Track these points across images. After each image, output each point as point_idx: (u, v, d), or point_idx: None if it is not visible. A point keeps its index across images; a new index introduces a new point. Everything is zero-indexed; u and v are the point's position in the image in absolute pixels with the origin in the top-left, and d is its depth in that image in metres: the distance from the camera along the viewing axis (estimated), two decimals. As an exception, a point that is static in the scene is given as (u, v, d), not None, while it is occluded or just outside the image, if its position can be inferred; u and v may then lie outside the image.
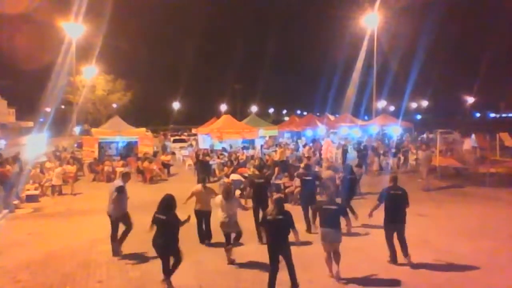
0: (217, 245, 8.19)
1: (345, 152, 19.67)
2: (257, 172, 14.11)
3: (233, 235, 7.54)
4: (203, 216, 8.48)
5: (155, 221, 6.33)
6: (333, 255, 6.51)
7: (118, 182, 8.07)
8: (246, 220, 8.80)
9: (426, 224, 9.63)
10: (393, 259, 7.09)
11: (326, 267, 6.61)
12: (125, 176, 8.22)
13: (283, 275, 5.96)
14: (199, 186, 8.71)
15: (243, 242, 7.95)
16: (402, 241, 7.07)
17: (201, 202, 8.44)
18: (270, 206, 6.96)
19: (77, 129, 38.28)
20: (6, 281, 6.72)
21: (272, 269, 5.88)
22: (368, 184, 14.44)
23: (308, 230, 8.92)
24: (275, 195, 6.91)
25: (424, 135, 30.49)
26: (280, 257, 5.96)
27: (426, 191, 13.66)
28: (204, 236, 8.57)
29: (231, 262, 7.30)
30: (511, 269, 6.85)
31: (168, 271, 6.18)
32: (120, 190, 7.76)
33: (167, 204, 6.33)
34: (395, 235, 7.10)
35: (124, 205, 7.95)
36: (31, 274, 6.98)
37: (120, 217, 7.87)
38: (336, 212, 6.55)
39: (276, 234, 5.96)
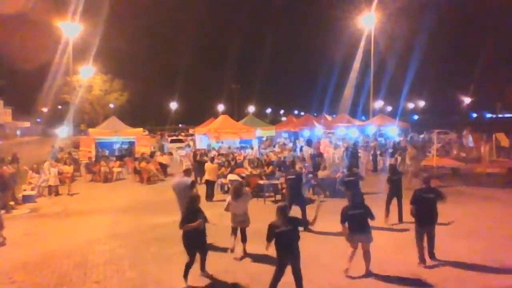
0: (215, 245, 8.19)
1: (353, 154, 18.07)
2: (254, 172, 14.22)
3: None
4: (210, 183, 12.80)
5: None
6: (363, 254, 6.57)
7: (187, 179, 8.38)
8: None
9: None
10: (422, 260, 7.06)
11: (324, 267, 6.64)
12: (188, 172, 8.83)
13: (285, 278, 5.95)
14: (208, 163, 13.18)
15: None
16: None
17: (209, 174, 12.80)
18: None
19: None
20: (2, 282, 6.69)
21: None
22: (364, 183, 14.42)
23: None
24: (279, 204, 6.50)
25: (422, 136, 30.58)
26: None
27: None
28: (210, 197, 12.54)
29: (234, 253, 7.54)
30: (507, 269, 6.88)
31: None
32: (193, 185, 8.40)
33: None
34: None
35: None
36: (27, 275, 6.95)
37: None
38: (363, 215, 6.56)
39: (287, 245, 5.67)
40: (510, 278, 6.58)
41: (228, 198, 7.63)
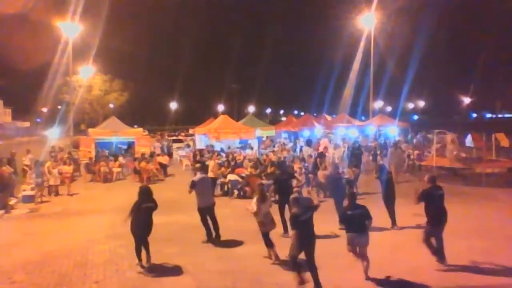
0: (214, 245, 8.20)
1: (354, 154, 17.93)
2: (254, 172, 14.21)
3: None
4: (214, 181, 12.75)
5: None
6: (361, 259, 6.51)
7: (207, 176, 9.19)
8: (246, 220, 8.82)
9: (421, 224, 9.63)
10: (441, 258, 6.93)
11: (324, 267, 6.61)
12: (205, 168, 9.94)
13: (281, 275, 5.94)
14: (212, 161, 14.11)
15: (242, 242, 7.93)
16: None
17: (213, 171, 13.33)
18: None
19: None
20: (2, 282, 6.69)
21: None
22: (365, 183, 14.46)
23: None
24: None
25: (418, 135, 30.50)
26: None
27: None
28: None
29: (277, 258, 7.17)
30: (506, 269, 6.87)
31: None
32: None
33: (150, 193, 7.39)
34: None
35: None
36: (27, 275, 6.94)
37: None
38: (361, 215, 6.51)
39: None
40: (511, 278, 6.58)
41: (254, 202, 7.44)
